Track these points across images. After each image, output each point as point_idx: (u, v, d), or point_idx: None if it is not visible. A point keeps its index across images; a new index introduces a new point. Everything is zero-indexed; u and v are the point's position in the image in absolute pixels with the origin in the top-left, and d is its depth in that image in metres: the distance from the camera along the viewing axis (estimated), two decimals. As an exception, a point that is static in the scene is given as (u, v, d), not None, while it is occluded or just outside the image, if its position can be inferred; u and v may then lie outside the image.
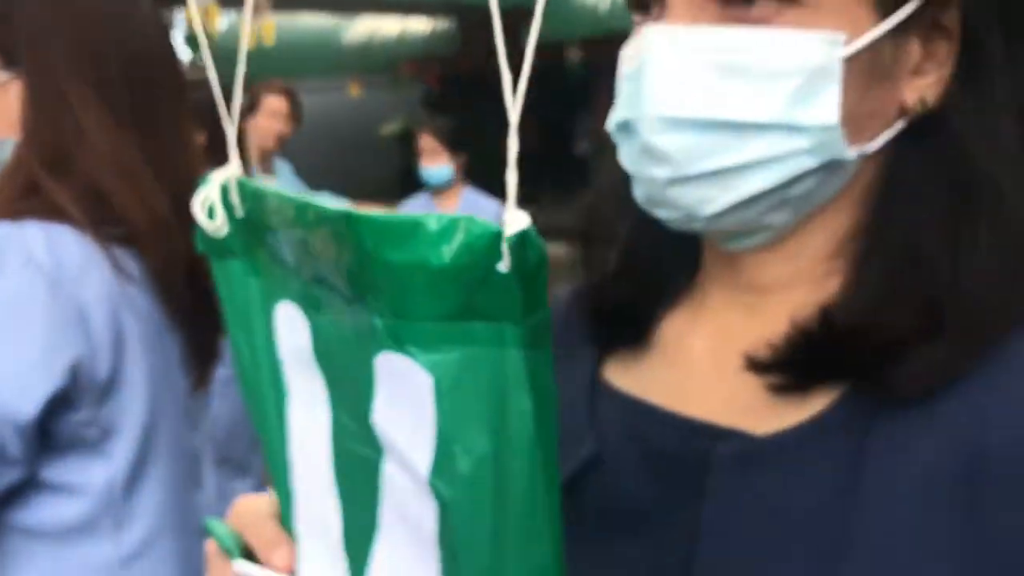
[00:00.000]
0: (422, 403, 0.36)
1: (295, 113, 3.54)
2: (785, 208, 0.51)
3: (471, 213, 0.35)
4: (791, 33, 0.47)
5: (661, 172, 0.49)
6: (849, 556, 0.46)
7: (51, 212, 0.99)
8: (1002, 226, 0.48)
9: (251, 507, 0.52)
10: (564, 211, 0.82)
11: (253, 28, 10.33)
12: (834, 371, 0.50)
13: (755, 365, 0.51)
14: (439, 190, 3.81)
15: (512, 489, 0.36)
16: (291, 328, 0.45)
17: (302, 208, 0.41)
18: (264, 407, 0.50)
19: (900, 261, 0.49)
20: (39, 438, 0.97)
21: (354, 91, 14.27)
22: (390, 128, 15.77)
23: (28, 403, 0.94)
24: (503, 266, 0.34)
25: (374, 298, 0.37)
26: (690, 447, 0.53)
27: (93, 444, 1.01)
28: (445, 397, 0.36)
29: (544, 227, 0.35)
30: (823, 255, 0.53)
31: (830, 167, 0.49)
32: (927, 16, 0.50)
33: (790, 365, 0.50)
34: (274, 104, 3.48)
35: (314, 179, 3.95)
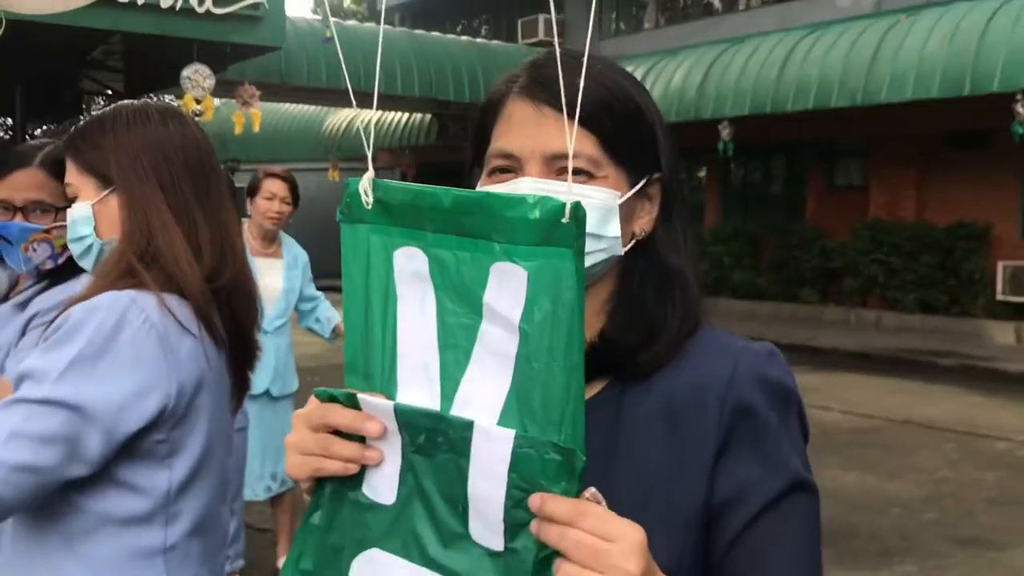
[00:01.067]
0: (520, 285, 0.70)
1: (293, 196, 3.82)
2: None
3: None
4: (597, 190, 0.88)
5: None
6: (616, 455, 0.88)
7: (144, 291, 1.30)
8: (686, 293, 0.93)
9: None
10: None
11: (243, 116, 10.66)
12: (604, 367, 0.91)
13: None
14: None
15: (560, 327, 0.68)
16: (409, 260, 0.76)
17: (442, 192, 0.72)
18: (365, 313, 0.79)
19: (634, 311, 0.92)
20: (119, 449, 1.24)
21: (332, 175, 14.67)
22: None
23: (126, 423, 1.24)
24: (564, 219, 0.67)
25: (496, 234, 0.70)
26: None
27: (162, 458, 1.30)
28: (532, 281, 0.69)
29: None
30: (594, 311, 0.92)
31: (611, 259, 0.90)
32: (646, 189, 0.94)
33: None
34: (272, 187, 3.78)
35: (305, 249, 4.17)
